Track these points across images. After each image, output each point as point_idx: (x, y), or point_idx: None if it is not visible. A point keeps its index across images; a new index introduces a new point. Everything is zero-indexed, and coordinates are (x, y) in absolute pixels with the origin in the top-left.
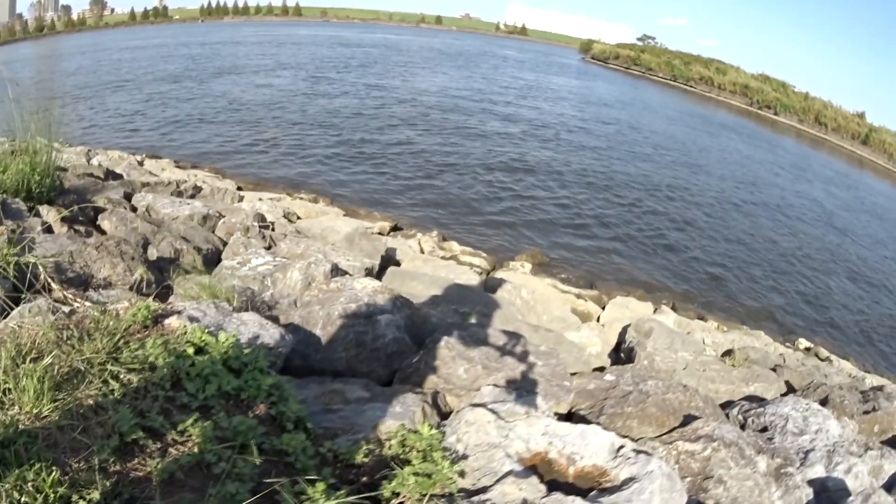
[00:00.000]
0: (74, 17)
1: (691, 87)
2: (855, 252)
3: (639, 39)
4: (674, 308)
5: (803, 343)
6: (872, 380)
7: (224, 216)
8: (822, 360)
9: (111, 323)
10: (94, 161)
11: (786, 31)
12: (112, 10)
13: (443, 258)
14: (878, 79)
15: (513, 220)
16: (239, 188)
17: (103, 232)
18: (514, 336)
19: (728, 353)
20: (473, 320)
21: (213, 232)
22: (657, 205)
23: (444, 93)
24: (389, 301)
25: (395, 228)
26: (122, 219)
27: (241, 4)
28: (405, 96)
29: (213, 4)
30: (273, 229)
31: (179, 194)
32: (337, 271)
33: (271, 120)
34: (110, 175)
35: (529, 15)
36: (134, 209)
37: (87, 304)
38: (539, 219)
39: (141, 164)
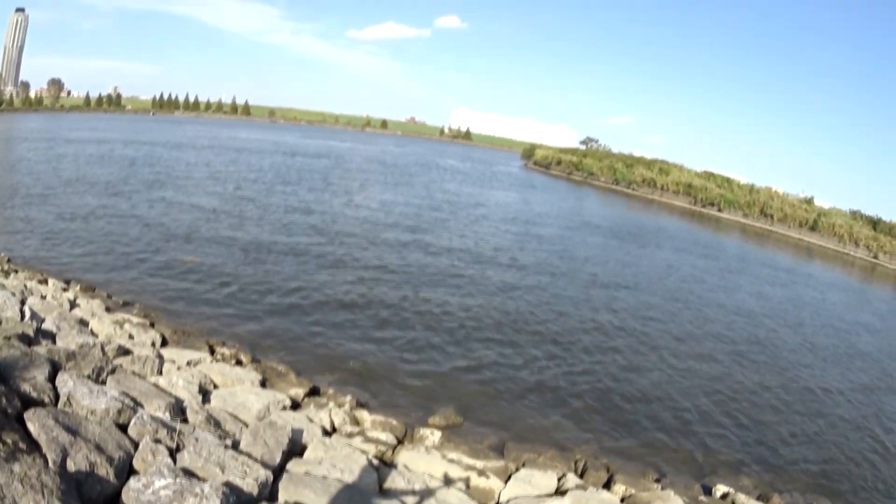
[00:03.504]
0: (32, 94)
1: (633, 190)
2: (780, 366)
3: (582, 142)
4: (582, 472)
5: (720, 489)
6: None
7: (140, 405)
8: None
9: None
10: (27, 309)
11: (731, 120)
12: (69, 92)
13: (350, 435)
14: (828, 158)
15: (429, 370)
16: (164, 340)
17: (28, 432)
18: None
19: None
20: None
21: (127, 431)
22: (575, 344)
23: (373, 221)
24: None
25: (311, 392)
26: (44, 425)
27: (192, 99)
28: (335, 223)
29: (165, 97)
30: (185, 416)
31: (101, 370)
32: (231, 494)
33: (200, 245)
34: (40, 334)
35: (474, 119)
36: (57, 397)
37: None
38: (455, 367)
39: (73, 303)
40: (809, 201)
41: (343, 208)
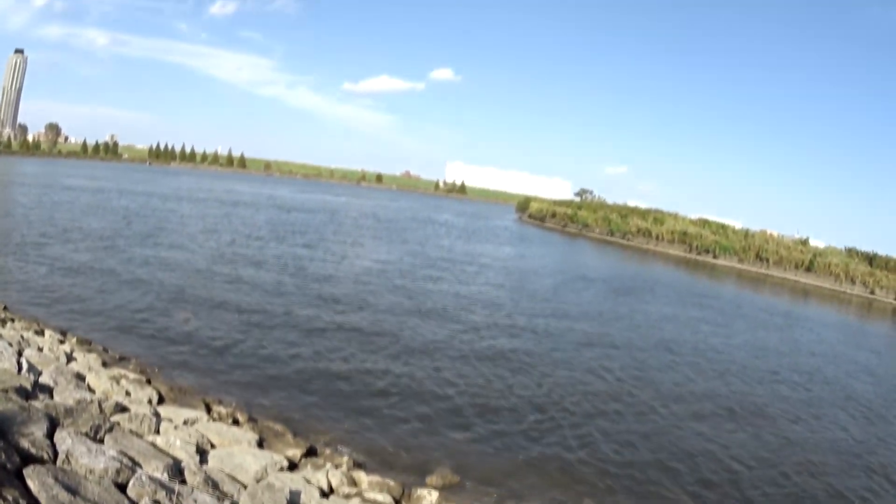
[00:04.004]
0: (30, 137)
1: (628, 240)
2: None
3: (576, 194)
4: None
5: None
6: None
7: (138, 465)
8: None
9: None
10: (24, 361)
11: (725, 164)
12: (66, 138)
13: (347, 496)
14: (823, 196)
15: (425, 431)
16: (160, 398)
17: (28, 489)
18: None
19: None
20: None
21: (126, 492)
22: (572, 407)
23: (367, 280)
24: None
25: (308, 452)
26: (44, 483)
27: (188, 150)
28: (329, 282)
29: (162, 147)
30: (183, 477)
31: (98, 428)
32: None
33: (194, 301)
34: (37, 387)
35: (469, 172)
36: (55, 454)
37: None
38: (451, 430)
39: (70, 357)
40: (805, 242)
41: (337, 266)
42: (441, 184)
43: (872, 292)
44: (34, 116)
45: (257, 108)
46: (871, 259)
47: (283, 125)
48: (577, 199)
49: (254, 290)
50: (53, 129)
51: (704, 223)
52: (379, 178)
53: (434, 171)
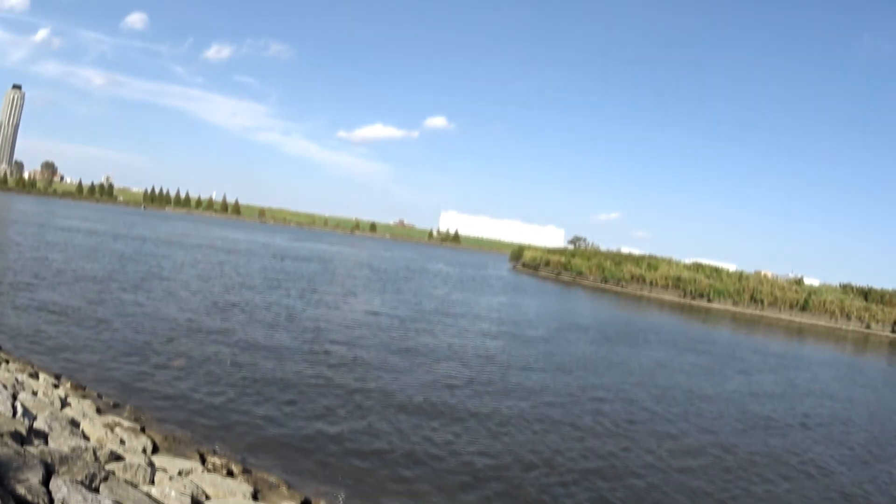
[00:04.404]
0: (26, 175)
1: (623, 287)
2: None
3: (570, 242)
4: None
5: None
6: None
7: None
8: None
9: None
10: (19, 405)
11: (718, 207)
12: (62, 177)
13: None
14: (818, 232)
15: (418, 482)
16: (155, 447)
17: None
18: None
19: None
20: None
21: None
22: (569, 462)
23: (360, 334)
24: None
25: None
26: None
27: (183, 195)
28: (322, 333)
29: (157, 191)
30: None
31: (94, 476)
32: None
33: (187, 349)
34: (32, 433)
35: (462, 222)
36: (51, 501)
37: None
38: (445, 483)
39: (64, 402)
40: (799, 282)
41: (331, 317)
42: (435, 233)
43: (868, 326)
44: (30, 154)
45: (252, 153)
46: (866, 294)
47: (277, 171)
48: (571, 246)
49: (247, 339)
50: (49, 167)
51: (698, 267)
52: (373, 226)
53: (428, 219)
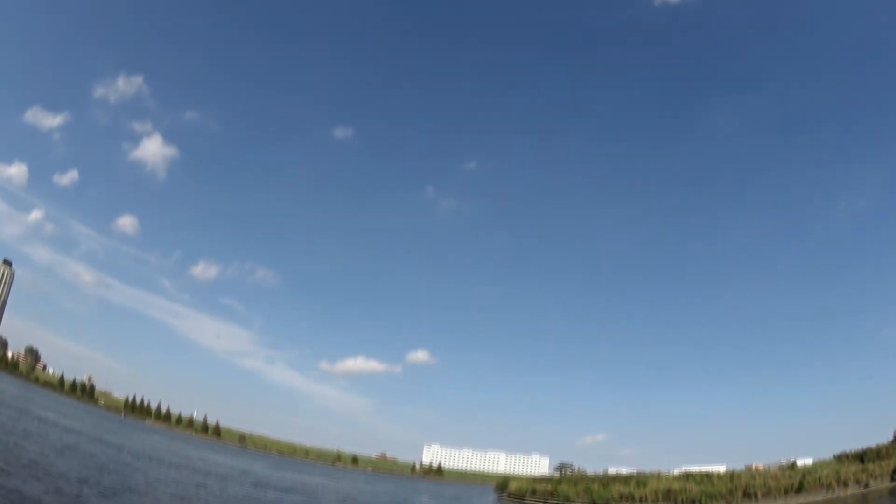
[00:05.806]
0: (10, 354)
1: None
2: None
3: (556, 468)
4: None
5: None
6: None
7: None
8: None
9: None
10: None
11: (703, 411)
12: (45, 367)
13: None
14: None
15: None
16: None
17: None
18: None
19: None
20: None
21: None
22: None
23: None
24: None
25: None
26: None
27: (163, 408)
28: None
29: (138, 401)
30: None
31: None
32: None
33: None
34: None
35: (446, 454)
36: None
37: None
38: None
39: None
40: (792, 466)
41: None
42: (418, 466)
43: (867, 485)
44: (15, 333)
45: (236, 378)
46: (862, 456)
47: (260, 398)
48: (557, 473)
49: None
50: (33, 353)
51: (688, 476)
52: (355, 459)
53: (411, 452)
